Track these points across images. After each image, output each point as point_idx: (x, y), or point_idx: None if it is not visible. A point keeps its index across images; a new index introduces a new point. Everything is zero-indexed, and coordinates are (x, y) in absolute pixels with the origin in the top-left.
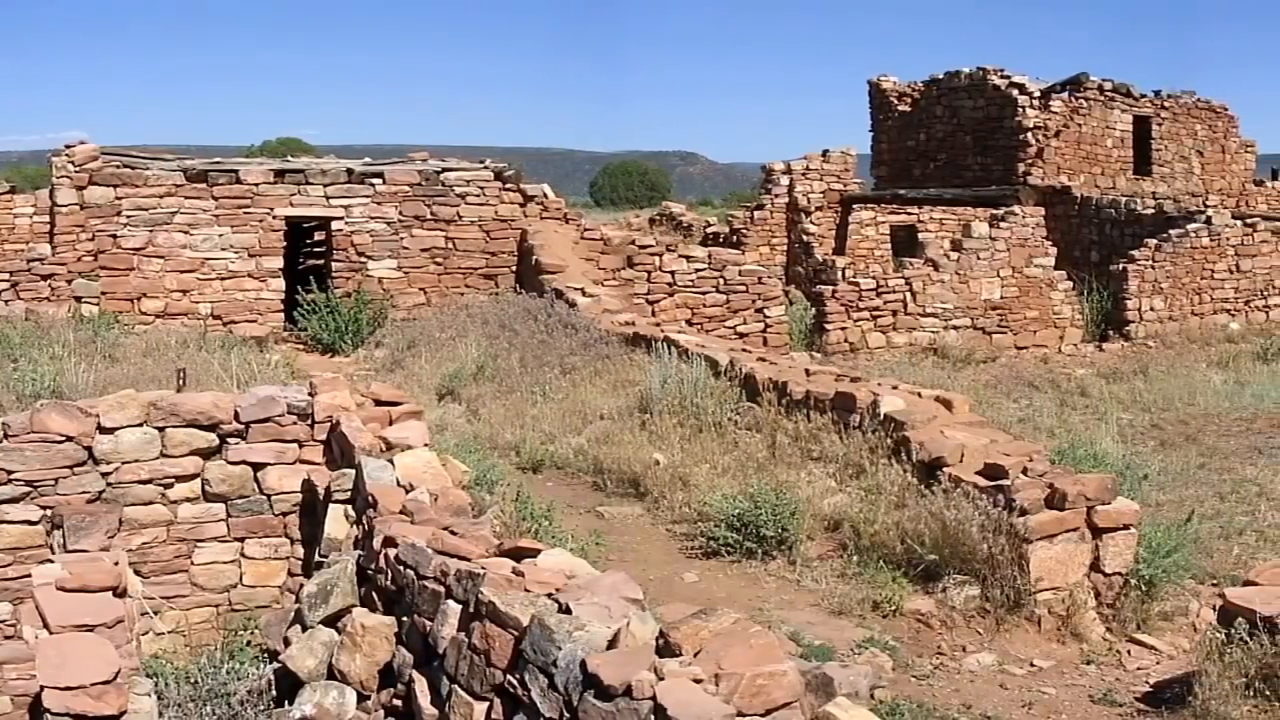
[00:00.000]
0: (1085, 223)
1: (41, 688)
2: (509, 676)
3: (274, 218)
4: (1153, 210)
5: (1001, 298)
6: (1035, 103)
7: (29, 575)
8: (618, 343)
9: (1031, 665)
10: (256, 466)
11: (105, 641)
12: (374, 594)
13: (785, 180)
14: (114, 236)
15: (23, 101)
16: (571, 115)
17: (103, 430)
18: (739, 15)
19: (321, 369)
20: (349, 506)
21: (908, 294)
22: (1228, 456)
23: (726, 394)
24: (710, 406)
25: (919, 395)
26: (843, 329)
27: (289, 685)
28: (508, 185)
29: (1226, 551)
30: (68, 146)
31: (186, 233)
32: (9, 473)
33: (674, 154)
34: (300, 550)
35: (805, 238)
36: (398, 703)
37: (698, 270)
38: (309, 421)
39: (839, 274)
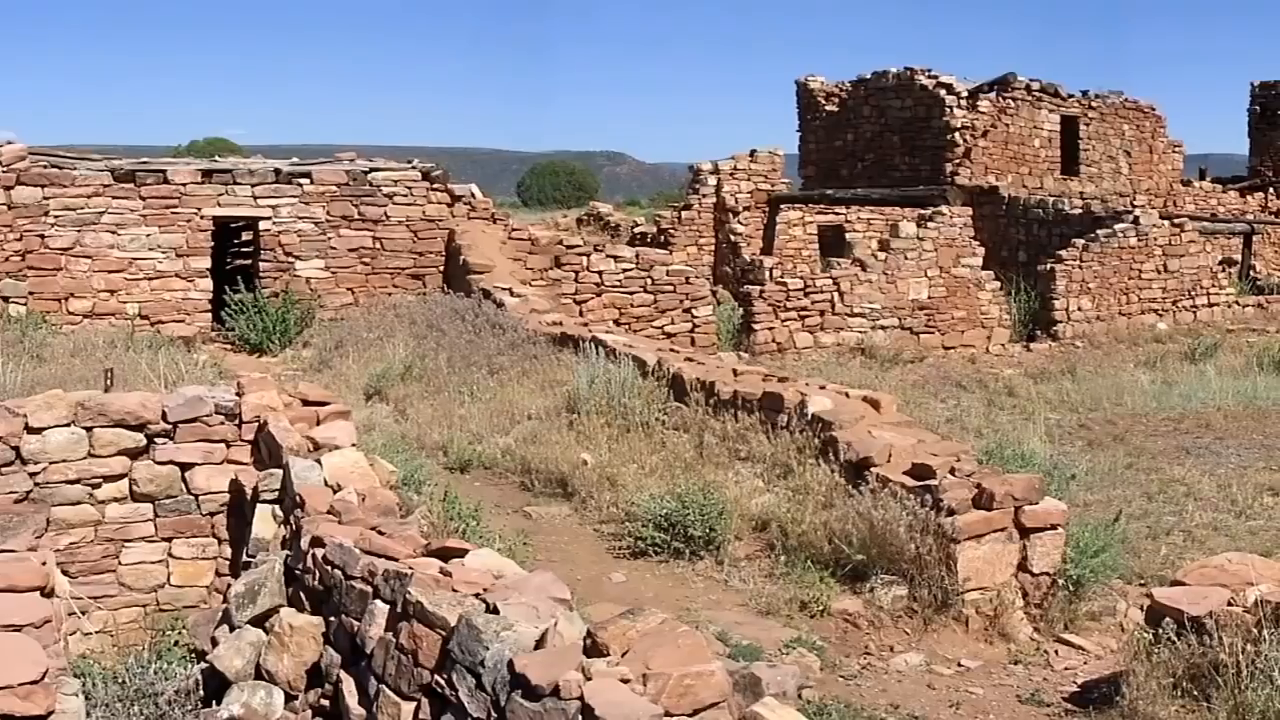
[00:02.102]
0: (1013, 223)
1: None
2: (436, 676)
3: (201, 218)
4: (1080, 210)
5: (929, 298)
6: (963, 103)
7: None
8: (545, 343)
9: (959, 665)
10: (184, 466)
11: (33, 641)
12: (302, 594)
13: (713, 180)
14: (42, 236)
15: None
16: (499, 115)
17: (30, 430)
18: (667, 15)
19: (249, 369)
20: (277, 506)
21: (835, 294)
22: (1155, 456)
23: (654, 394)
24: (638, 406)
25: (846, 395)
26: (770, 329)
27: (216, 685)
28: (435, 185)
29: (1154, 551)
30: None
31: (114, 233)
32: None
33: (601, 154)
34: (228, 550)
35: (733, 238)
36: (325, 703)
37: (625, 270)
38: (236, 422)
39: (766, 274)
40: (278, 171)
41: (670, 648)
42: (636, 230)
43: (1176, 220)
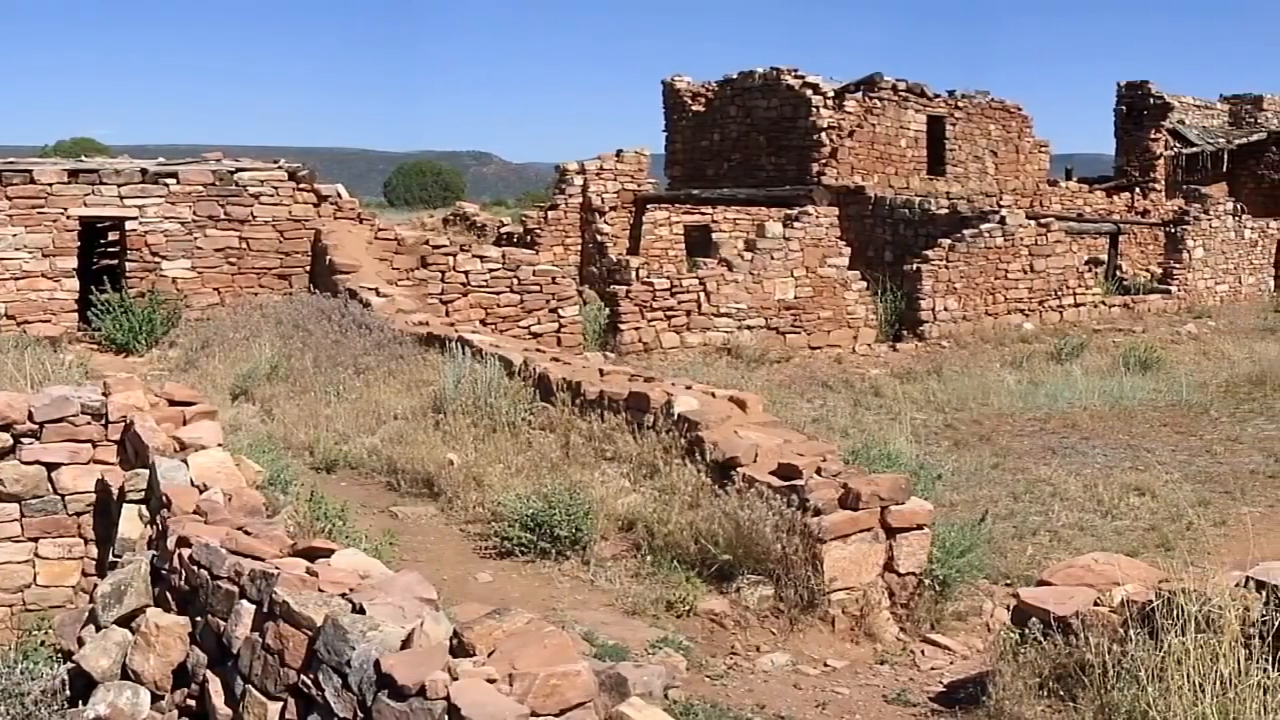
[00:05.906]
0: (879, 223)
1: None
2: (303, 676)
3: (68, 218)
4: (947, 210)
5: (795, 298)
6: (829, 103)
7: None
8: (412, 343)
9: (825, 665)
10: (50, 466)
11: None
12: (168, 594)
13: (579, 180)
14: None
15: None
16: (365, 115)
17: None
18: (531, 14)
19: (115, 369)
20: (143, 506)
21: (702, 294)
22: (1021, 456)
23: (520, 394)
24: (504, 406)
25: (713, 395)
26: (637, 329)
27: (83, 685)
28: (301, 185)
29: (1020, 551)
30: None
31: None
32: None
33: (467, 154)
34: (94, 550)
35: (599, 238)
36: (192, 703)
37: (492, 270)
38: (103, 421)
39: (633, 274)
40: (144, 171)
41: (536, 647)
42: (503, 230)
43: (1043, 220)
